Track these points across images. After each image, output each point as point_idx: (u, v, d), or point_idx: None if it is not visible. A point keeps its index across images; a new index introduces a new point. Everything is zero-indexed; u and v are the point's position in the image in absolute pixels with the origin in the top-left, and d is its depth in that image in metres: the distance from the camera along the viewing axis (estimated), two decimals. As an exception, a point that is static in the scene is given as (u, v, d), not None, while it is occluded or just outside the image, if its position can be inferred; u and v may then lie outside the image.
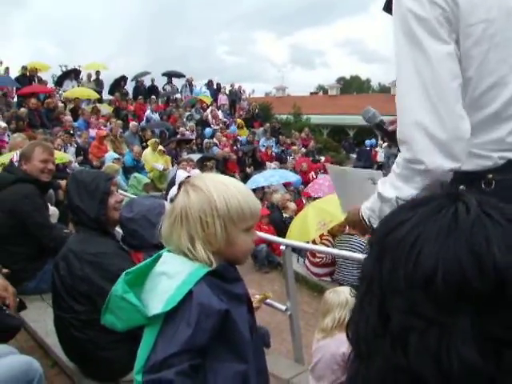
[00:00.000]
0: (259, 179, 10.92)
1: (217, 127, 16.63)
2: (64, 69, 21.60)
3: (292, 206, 9.19)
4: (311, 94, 44.91)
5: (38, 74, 15.93)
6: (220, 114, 18.10)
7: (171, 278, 1.30)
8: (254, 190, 8.35)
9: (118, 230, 2.78)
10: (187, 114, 17.00)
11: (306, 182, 12.63)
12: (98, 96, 16.30)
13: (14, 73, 15.80)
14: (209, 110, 17.53)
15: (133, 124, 13.60)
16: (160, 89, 19.40)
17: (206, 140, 14.74)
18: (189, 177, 1.48)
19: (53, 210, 4.54)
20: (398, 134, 1.34)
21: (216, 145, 14.52)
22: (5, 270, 2.46)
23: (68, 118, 12.26)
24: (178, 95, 19.85)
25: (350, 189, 1.90)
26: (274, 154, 16.04)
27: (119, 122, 13.14)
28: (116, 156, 10.62)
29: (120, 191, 4.36)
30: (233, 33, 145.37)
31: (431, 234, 0.61)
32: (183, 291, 1.25)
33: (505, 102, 1.31)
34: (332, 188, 9.42)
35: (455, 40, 1.27)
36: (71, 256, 2.44)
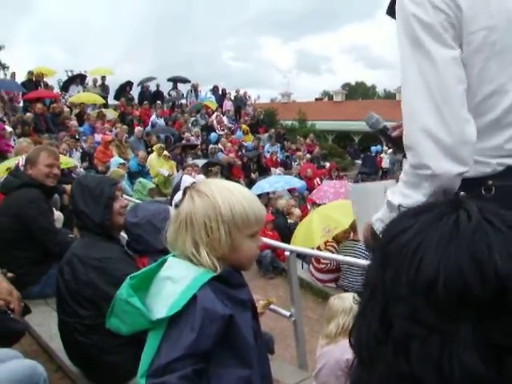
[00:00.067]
0: (264, 185, 10.92)
1: (222, 133, 16.62)
2: (70, 74, 21.84)
3: (297, 211, 9.18)
4: (316, 99, 44.80)
5: (44, 79, 15.94)
6: (225, 119, 18.11)
7: (176, 282, 1.30)
8: (259, 196, 8.34)
9: (123, 235, 2.79)
10: (192, 119, 17.01)
11: (310, 188, 12.61)
12: (103, 101, 16.32)
13: (20, 78, 15.87)
14: (214, 116, 17.53)
15: (138, 129, 13.65)
16: (165, 94, 19.42)
17: (211, 145, 14.76)
18: (194, 182, 1.47)
19: (58, 215, 4.56)
20: (405, 139, 1.32)
21: (221, 150, 14.52)
22: (10, 275, 2.46)
23: (73, 122, 12.26)
24: (184, 101, 19.87)
25: (372, 210, 1.62)
26: (278, 159, 16.04)
27: (124, 127, 13.15)
28: (121, 161, 10.62)
29: (125, 196, 4.37)
30: (238, 38, 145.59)
31: (433, 241, 0.62)
32: (187, 296, 1.25)
33: (505, 109, 1.30)
34: (337, 195, 9.46)
35: (459, 45, 1.27)
36: (76, 261, 2.45)
